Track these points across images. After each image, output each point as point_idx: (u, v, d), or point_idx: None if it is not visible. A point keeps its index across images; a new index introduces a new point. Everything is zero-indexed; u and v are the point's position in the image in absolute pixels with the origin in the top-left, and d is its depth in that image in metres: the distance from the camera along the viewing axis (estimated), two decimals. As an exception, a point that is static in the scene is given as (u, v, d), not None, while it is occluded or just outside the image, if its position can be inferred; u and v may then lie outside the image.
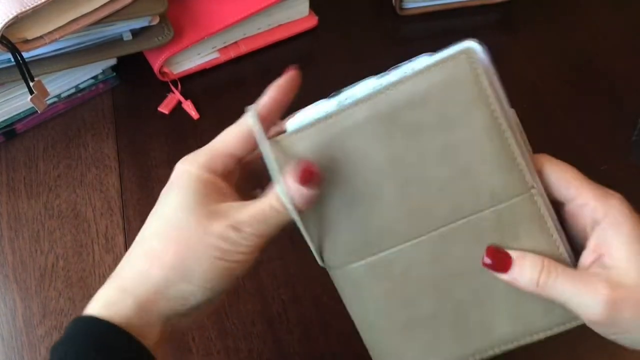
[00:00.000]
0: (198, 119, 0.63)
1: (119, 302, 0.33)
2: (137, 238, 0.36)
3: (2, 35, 0.50)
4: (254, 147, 0.38)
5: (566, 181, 0.35)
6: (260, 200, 0.35)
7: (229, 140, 0.39)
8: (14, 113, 0.60)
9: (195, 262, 0.34)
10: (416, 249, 0.35)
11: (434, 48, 0.39)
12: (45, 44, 0.54)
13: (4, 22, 0.50)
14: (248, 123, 0.38)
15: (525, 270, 0.34)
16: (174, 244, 0.34)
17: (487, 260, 0.34)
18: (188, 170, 0.37)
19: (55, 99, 0.62)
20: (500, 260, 0.34)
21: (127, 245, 0.55)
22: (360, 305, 0.37)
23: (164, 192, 0.36)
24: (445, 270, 0.35)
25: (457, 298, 0.35)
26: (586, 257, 0.34)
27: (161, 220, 0.35)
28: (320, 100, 0.37)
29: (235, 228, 0.34)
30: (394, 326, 0.36)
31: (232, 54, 0.67)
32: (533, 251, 0.34)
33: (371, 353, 0.38)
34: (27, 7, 0.51)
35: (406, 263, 0.35)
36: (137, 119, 0.64)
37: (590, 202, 0.34)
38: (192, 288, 0.34)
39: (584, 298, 0.33)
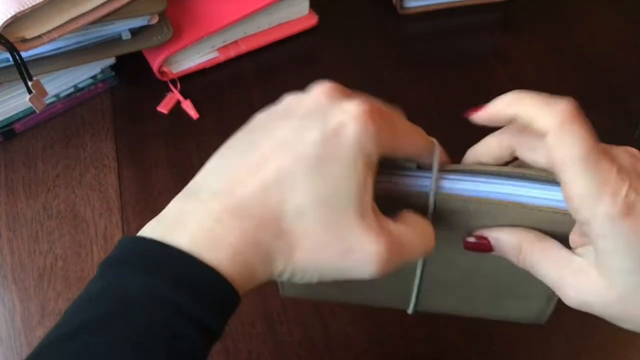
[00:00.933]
0: (197, 119, 0.63)
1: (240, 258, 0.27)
2: (272, 187, 0.28)
3: (0, 34, 0.50)
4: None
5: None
6: (410, 222, 0.31)
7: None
8: (13, 113, 0.60)
9: (319, 262, 0.28)
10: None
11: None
12: (44, 43, 0.54)
13: (2, 22, 0.50)
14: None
15: (506, 250, 0.32)
16: (317, 237, 0.28)
17: (470, 241, 0.33)
18: (369, 136, 0.28)
19: (54, 99, 0.62)
20: (480, 245, 0.33)
21: (126, 245, 0.54)
22: None
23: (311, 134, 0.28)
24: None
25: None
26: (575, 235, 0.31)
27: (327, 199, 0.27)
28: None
29: (389, 252, 0.28)
30: None
31: (232, 53, 0.67)
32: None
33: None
34: (26, 7, 0.51)
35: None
36: (136, 119, 0.63)
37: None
38: (314, 277, 0.29)
39: (560, 282, 0.30)
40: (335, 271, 0.29)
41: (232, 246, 0.27)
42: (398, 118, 0.31)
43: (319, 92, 0.30)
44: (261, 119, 0.32)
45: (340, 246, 0.28)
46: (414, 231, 0.30)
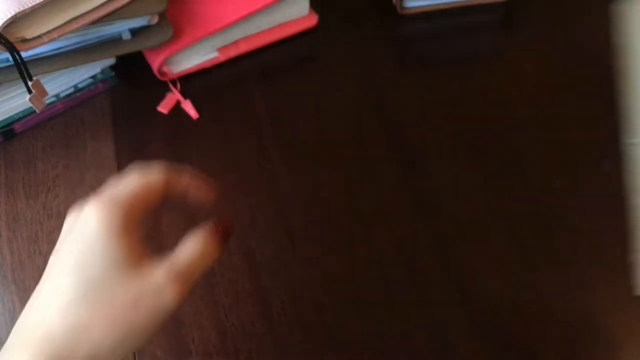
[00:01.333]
0: (197, 119, 0.63)
1: None
2: (38, 301, 0.31)
3: (0, 34, 0.50)
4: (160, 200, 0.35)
5: None
6: (188, 245, 0.34)
7: (142, 190, 0.35)
8: (13, 113, 0.60)
9: (137, 327, 0.31)
10: None
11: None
12: (44, 43, 0.54)
13: (2, 22, 0.50)
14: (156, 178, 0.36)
15: None
16: (105, 311, 0.30)
17: None
18: (109, 212, 0.32)
19: (54, 99, 0.62)
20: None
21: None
22: None
23: (68, 245, 0.32)
24: None
25: None
26: None
27: (85, 283, 0.31)
28: None
29: (176, 278, 0.32)
30: None
31: (232, 53, 0.67)
32: None
33: None
34: (26, 7, 0.51)
35: None
36: (136, 119, 0.63)
37: None
38: (132, 349, 0.31)
39: None
40: (148, 327, 0.31)
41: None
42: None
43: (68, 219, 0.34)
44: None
45: (132, 310, 0.31)
46: (196, 251, 0.34)
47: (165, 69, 0.64)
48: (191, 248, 0.34)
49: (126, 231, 0.32)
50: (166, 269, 0.32)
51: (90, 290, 0.30)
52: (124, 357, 0.31)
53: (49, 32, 0.53)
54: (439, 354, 0.48)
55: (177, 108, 0.64)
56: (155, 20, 0.60)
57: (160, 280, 0.32)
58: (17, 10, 0.50)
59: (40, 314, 0.31)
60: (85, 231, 0.32)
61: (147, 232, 0.34)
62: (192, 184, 0.37)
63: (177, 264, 0.33)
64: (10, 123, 0.61)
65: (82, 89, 0.64)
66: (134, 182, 0.34)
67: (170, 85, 0.64)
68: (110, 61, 0.63)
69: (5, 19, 0.50)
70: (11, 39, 0.51)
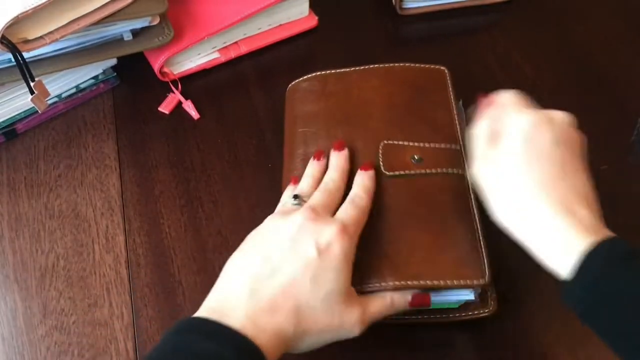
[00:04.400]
0: (198, 119, 0.63)
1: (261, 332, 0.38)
2: (285, 285, 0.40)
3: (2, 35, 0.50)
4: None
5: None
6: (382, 295, 0.44)
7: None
8: (15, 113, 0.60)
9: (322, 342, 0.42)
10: None
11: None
12: (46, 44, 0.54)
13: (4, 23, 0.50)
14: None
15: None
16: (322, 320, 0.41)
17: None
18: (348, 248, 0.42)
19: (56, 99, 0.62)
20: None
21: (127, 244, 0.55)
22: None
23: (333, 258, 0.41)
24: None
25: None
26: None
27: (326, 296, 0.40)
28: None
29: (364, 319, 0.42)
30: None
31: (233, 54, 0.67)
32: None
33: None
34: (28, 8, 0.51)
35: None
36: (138, 119, 0.64)
37: None
38: (318, 346, 0.42)
39: None
40: (332, 339, 0.42)
41: (266, 333, 0.38)
42: (362, 220, 0.45)
43: (303, 218, 0.42)
44: (256, 239, 0.44)
45: (336, 324, 0.41)
46: (381, 300, 0.44)
47: (166, 69, 0.64)
48: (382, 302, 0.44)
49: (352, 262, 0.42)
50: (362, 312, 0.42)
51: (314, 300, 0.40)
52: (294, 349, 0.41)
53: (51, 33, 0.54)
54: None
55: (178, 108, 0.64)
56: (156, 21, 0.60)
57: (355, 320, 0.42)
58: (20, 12, 0.50)
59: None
60: (328, 256, 0.41)
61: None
62: None
63: (370, 311, 0.43)
64: (12, 123, 0.61)
65: (84, 89, 0.64)
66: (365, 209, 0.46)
67: (171, 86, 0.65)
68: (112, 62, 0.64)
69: (7, 20, 0.50)
70: (13, 39, 0.52)
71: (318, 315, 0.40)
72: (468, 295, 0.45)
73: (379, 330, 0.44)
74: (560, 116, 0.44)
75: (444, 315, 0.47)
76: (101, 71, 0.64)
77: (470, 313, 0.47)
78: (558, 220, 0.39)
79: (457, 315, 0.47)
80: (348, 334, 0.42)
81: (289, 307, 0.39)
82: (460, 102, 0.56)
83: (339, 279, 0.41)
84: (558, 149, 0.42)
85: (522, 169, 0.41)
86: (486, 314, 0.46)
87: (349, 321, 0.41)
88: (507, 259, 0.48)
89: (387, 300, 0.44)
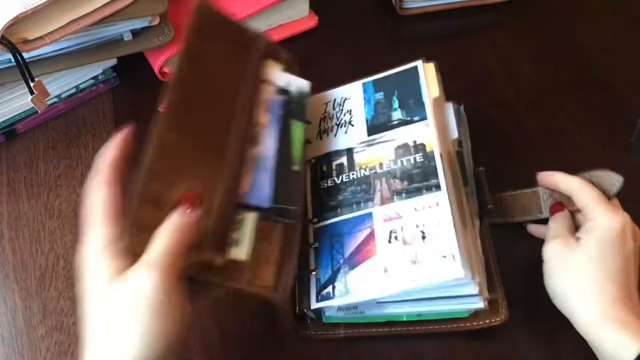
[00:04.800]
0: (198, 119, 0.63)
1: None
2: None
3: (2, 35, 0.50)
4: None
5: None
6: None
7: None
8: (15, 113, 0.60)
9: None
10: None
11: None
12: (46, 44, 0.54)
13: (4, 23, 0.50)
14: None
15: None
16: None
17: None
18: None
19: (56, 99, 0.62)
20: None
21: (127, 245, 0.55)
22: None
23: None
24: None
25: None
26: None
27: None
28: None
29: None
30: None
31: (232, 54, 0.67)
32: None
33: None
34: (28, 8, 0.51)
35: None
36: (138, 119, 0.63)
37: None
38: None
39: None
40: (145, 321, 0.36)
41: None
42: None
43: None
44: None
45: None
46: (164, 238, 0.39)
47: (166, 69, 0.64)
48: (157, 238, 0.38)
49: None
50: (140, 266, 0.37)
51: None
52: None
53: (50, 33, 0.54)
54: None
55: (178, 108, 0.64)
56: (156, 21, 0.60)
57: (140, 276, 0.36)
58: (19, 12, 0.50)
59: None
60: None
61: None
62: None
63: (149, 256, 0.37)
64: (12, 123, 0.61)
65: (84, 89, 0.64)
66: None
67: (171, 86, 0.64)
68: (112, 62, 0.64)
69: (7, 20, 0.50)
70: (13, 40, 0.52)
71: None
72: (478, 304, 0.45)
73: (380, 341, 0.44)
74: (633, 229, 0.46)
75: (454, 325, 0.47)
76: (101, 71, 0.64)
77: (481, 322, 0.46)
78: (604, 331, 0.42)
79: (468, 324, 0.47)
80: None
81: None
82: (462, 107, 0.56)
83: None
84: (628, 265, 0.45)
85: (592, 276, 0.44)
86: (497, 322, 0.46)
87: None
88: (516, 268, 0.49)
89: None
